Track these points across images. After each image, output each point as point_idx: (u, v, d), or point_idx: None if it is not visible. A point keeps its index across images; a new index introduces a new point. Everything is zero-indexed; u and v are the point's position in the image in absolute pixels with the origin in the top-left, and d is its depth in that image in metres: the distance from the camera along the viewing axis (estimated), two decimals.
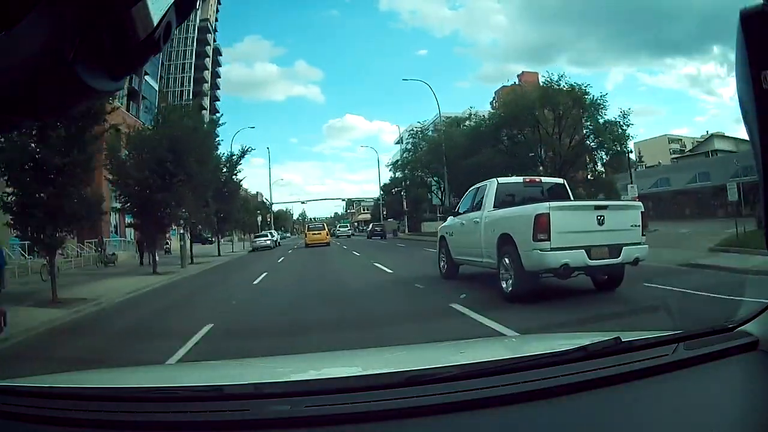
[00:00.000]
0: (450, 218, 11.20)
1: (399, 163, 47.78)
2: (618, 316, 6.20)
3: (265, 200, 70.74)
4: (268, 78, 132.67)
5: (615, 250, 7.38)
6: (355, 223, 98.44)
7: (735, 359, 1.42)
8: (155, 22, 0.54)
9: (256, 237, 39.25)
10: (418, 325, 6.16)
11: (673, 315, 4.81)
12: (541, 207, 7.42)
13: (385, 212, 58.95)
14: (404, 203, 51.93)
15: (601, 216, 7.42)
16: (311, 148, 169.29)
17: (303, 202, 77.15)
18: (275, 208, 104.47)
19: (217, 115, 33.58)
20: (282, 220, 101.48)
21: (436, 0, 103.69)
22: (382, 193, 61.98)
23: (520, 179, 10.36)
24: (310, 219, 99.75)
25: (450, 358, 1.96)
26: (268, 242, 36.89)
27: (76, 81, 0.52)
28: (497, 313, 6.50)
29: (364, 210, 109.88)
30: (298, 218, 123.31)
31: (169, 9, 0.55)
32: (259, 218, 48.94)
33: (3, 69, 0.49)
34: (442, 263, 11.07)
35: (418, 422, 1.20)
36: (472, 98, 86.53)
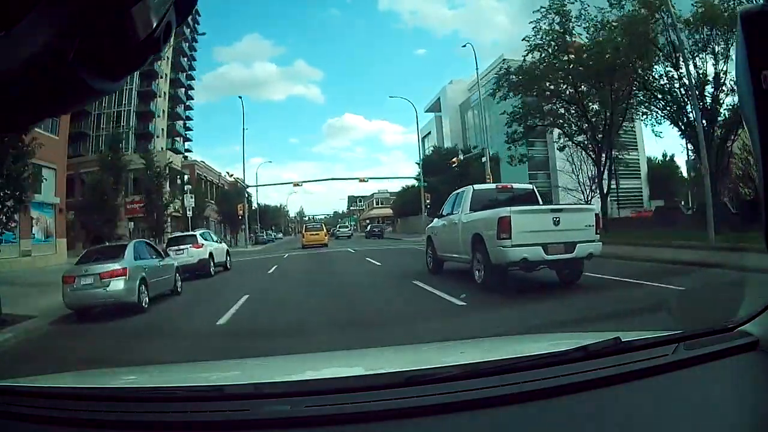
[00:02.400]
0: (435, 220, 12.41)
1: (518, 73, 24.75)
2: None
3: (237, 181, 44.53)
4: (268, 78, 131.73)
5: (570, 246, 8.43)
6: (367, 221, 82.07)
7: (735, 359, 1.42)
8: (155, 22, 0.54)
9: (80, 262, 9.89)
10: None
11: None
12: (504, 211, 8.59)
13: (428, 201, 35.07)
14: (490, 176, 27.56)
15: (557, 218, 8.64)
16: (311, 149, 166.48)
17: (297, 184, 50.47)
18: (267, 201, 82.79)
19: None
20: (274, 217, 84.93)
21: (437, 0, 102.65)
22: (421, 171, 39.43)
23: (493, 186, 12.04)
24: (309, 218, 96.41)
25: (450, 358, 1.96)
26: (106, 293, 8.98)
27: (76, 81, 0.52)
28: None
29: (378, 204, 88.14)
30: (295, 216, 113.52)
31: (169, 9, 0.55)
32: (190, 201, 27.90)
33: (3, 69, 0.49)
34: (429, 260, 12.32)
35: (418, 422, 1.20)
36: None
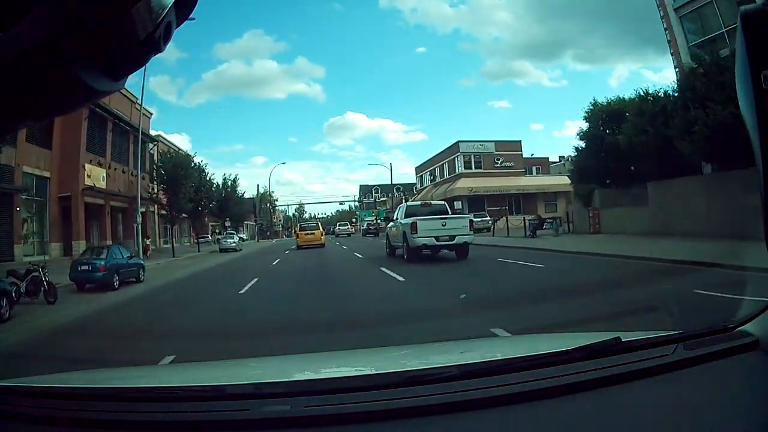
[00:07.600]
0: (390, 223, 20.09)
1: None
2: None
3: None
4: (269, 75, 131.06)
5: (452, 237, 15.61)
6: (455, 203, 39.67)
7: (735, 359, 1.42)
8: (155, 22, 0.54)
9: None
10: None
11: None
12: (413, 219, 15.86)
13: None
14: None
15: (444, 222, 15.80)
16: (311, 147, 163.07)
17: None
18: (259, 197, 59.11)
19: None
20: (238, 204, 46.11)
21: None
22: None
23: (419, 202, 20.19)
24: (310, 216, 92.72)
25: (450, 358, 1.96)
26: None
27: (76, 81, 0.52)
28: None
29: (472, 168, 44.13)
30: (293, 214, 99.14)
31: (169, 9, 0.55)
32: None
33: (3, 68, 0.49)
34: (387, 248, 19.42)
35: (418, 422, 1.20)
36: (477, 96, 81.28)
